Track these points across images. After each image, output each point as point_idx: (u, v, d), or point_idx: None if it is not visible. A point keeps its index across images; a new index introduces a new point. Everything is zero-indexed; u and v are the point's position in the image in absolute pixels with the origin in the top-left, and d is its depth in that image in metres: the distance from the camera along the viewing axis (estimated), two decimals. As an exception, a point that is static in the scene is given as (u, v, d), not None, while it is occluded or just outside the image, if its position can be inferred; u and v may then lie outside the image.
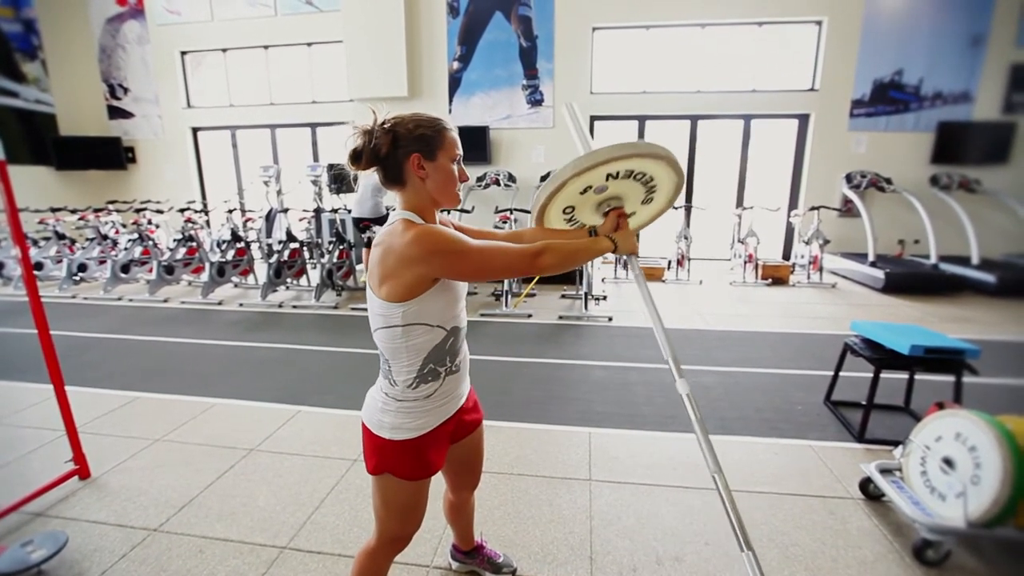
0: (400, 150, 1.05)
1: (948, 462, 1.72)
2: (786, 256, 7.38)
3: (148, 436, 2.63)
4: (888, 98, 6.71)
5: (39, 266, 6.38)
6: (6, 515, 1.93)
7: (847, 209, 6.83)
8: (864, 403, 2.51)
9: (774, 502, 2.05)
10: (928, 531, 1.66)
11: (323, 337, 4.36)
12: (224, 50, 8.43)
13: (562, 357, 3.80)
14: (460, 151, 1.10)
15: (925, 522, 1.67)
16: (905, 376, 2.76)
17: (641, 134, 7.62)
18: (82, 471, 2.23)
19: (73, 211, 7.00)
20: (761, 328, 4.50)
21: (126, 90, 8.81)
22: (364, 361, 3.75)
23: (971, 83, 6.51)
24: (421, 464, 1.16)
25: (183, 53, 8.55)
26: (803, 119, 7.12)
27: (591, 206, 1.31)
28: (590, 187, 1.21)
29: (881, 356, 2.44)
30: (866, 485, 2.05)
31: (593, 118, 7.56)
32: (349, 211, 6.13)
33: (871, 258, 6.05)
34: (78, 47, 8.65)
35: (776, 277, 6.21)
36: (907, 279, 5.63)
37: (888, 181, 6.55)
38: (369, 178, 4.58)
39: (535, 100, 7.57)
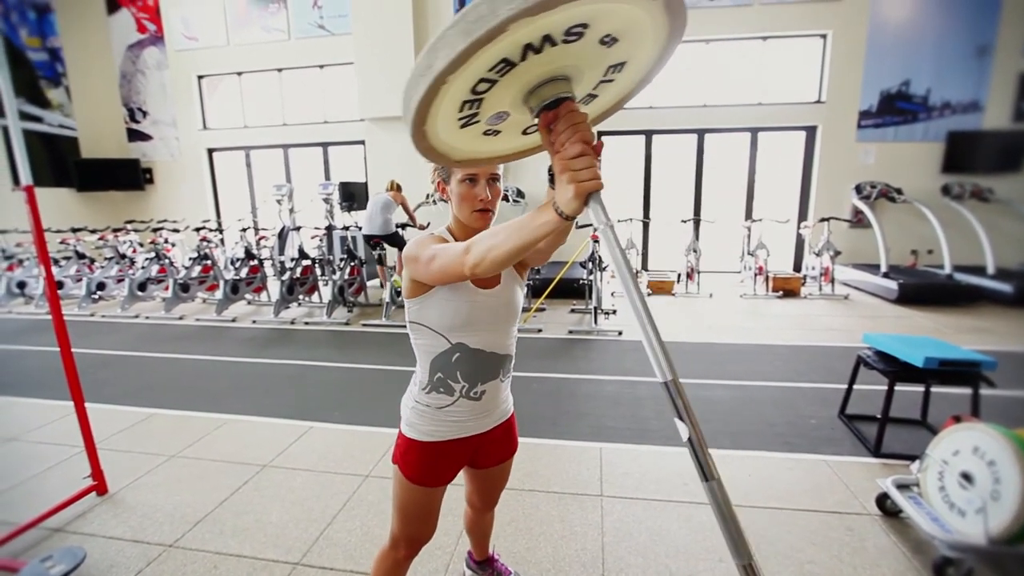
0: (438, 177, 1.15)
1: (967, 477, 1.69)
2: (796, 268, 7.34)
3: (164, 452, 2.66)
4: (896, 109, 6.71)
5: (59, 285, 6.54)
6: (26, 531, 1.96)
7: (857, 220, 6.79)
8: (879, 417, 2.47)
9: (789, 518, 2.02)
10: (948, 548, 1.63)
11: (334, 353, 4.40)
12: (239, 73, 8.69)
13: (572, 372, 3.79)
14: (474, 170, 1.08)
15: (945, 539, 1.64)
16: (920, 389, 2.72)
17: (648, 148, 7.68)
18: (100, 487, 2.27)
19: (93, 231, 7.19)
20: (772, 341, 4.46)
21: (145, 113, 9.09)
22: (375, 377, 3.78)
23: (980, 92, 6.49)
24: (423, 470, 1.19)
25: (200, 77, 8.82)
26: (810, 131, 7.13)
27: (515, 94, 0.75)
28: (506, 62, 0.66)
29: (895, 369, 2.41)
30: (883, 501, 2.02)
31: (600, 133, 7.64)
32: (360, 228, 6.23)
33: (884, 269, 5.99)
34: (100, 73, 8.97)
35: (787, 289, 6.16)
36: (921, 290, 5.56)
37: (899, 191, 6.52)
38: (378, 196, 4.67)
39: (542, 116, 7.67)
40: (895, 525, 1.96)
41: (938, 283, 5.70)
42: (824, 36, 6.83)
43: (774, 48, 7.08)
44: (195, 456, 2.63)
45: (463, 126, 0.79)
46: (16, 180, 1.83)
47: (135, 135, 9.21)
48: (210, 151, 9.13)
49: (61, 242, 6.84)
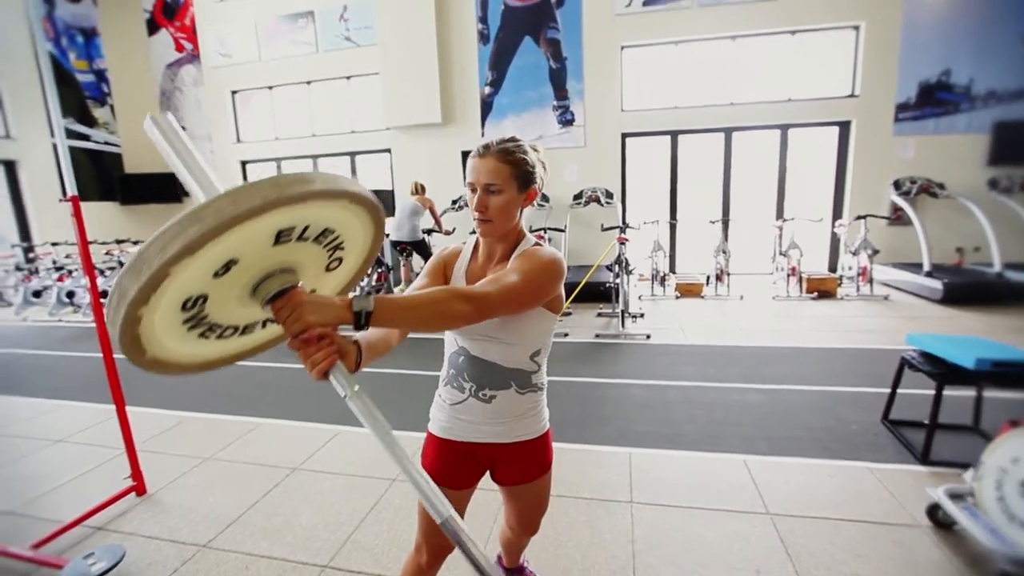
0: None
1: (1027, 486, 1.57)
2: (832, 268, 7.07)
3: (198, 455, 2.74)
4: (935, 100, 6.42)
5: (103, 294, 6.84)
6: (70, 529, 2.04)
7: (897, 217, 6.50)
8: (926, 423, 2.34)
9: (832, 529, 1.93)
10: (1009, 563, 1.52)
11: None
12: (270, 87, 8.97)
13: (599, 376, 3.73)
14: (471, 178, 1.09)
15: (1006, 553, 1.52)
16: (971, 393, 2.56)
17: (674, 149, 7.56)
18: (139, 488, 2.34)
19: (135, 243, 7.51)
20: (808, 344, 4.29)
21: (183, 128, 9.42)
22: (402, 382, 3.81)
23: (1028, 81, 6.15)
24: (436, 466, 1.20)
25: (233, 92, 9.15)
26: (844, 126, 6.89)
27: (239, 291, 0.76)
28: (232, 262, 0.69)
29: (943, 371, 2.28)
30: (934, 511, 1.90)
31: (625, 135, 7.57)
32: (387, 235, 6.32)
33: (926, 268, 5.71)
34: (141, 92, 9.40)
35: (822, 290, 5.94)
36: (968, 289, 5.27)
37: (941, 186, 6.21)
38: (407, 202, 4.74)
39: (566, 120, 7.66)
40: (948, 538, 1.84)
41: (987, 282, 5.39)
42: (857, 28, 6.60)
43: (804, 42, 6.88)
44: (228, 459, 2.69)
45: (202, 335, 0.78)
46: (64, 192, 1.93)
47: (173, 150, 9.59)
48: (243, 163, 9.45)
49: (106, 253, 7.17)
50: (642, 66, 7.46)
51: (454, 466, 1.21)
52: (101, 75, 8.92)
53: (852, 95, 6.73)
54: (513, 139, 1.10)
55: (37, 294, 6.94)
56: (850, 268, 6.19)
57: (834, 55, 6.82)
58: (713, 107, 7.20)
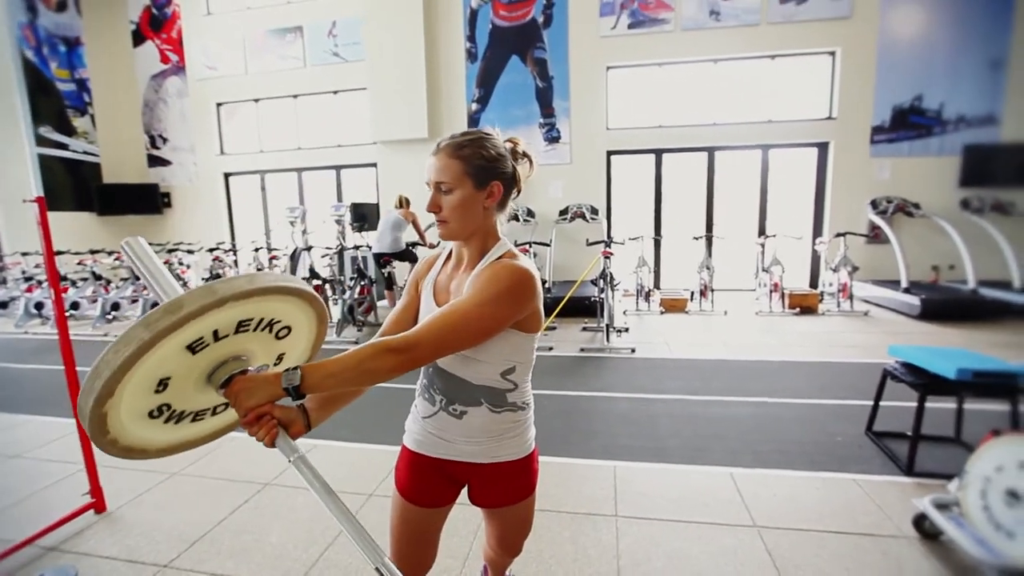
0: None
1: (1013, 494, 1.56)
2: (813, 285, 7.17)
3: (166, 470, 2.61)
4: (909, 123, 6.64)
5: (75, 306, 6.62)
6: (21, 548, 1.90)
7: (875, 236, 6.65)
8: (910, 434, 2.34)
9: (819, 541, 1.89)
10: (997, 573, 1.49)
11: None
12: (256, 100, 8.93)
13: (584, 389, 3.69)
14: (426, 178, 1.03)
15: (993, 563, 1.50)
16: (952, 405, 2.58)
17: (658, 166, 7.67)
18: (98, 505, 2.21)
19: (110, 253, 7.32)
20: (791, 358, 4.31)
21: (165, 140, 9.36)
22: (382, 395, 3.70)
23: (995, 106, 6.40)
24: (407, 479, 1.12)
25: (219, 104, 9.09)
26: (822, 147, 7.07)
27: (195, 376, 0.85)
28: (202, 343, 0.80)
29: (925, 382, 2.29)
30: (921, 522, 1.88)
31: (610, 153, 7.67)
32: (370, 248, 6.25)
33: (904, 284, 5.82)
34: (124, 102, 9.29)
35: (804, 306, 6.01)
36: (945, 305, 5.38)
37: (916, 206, 6.39)
38: (389, 215, 4.69)
39: (552, 137, 7.74)
40: (935, 548, 1.82)
41: (962, 298, 5.51)
42: (833, 53, 6.83)
43: (783, 66, 7.10)
44: (197, 474, 2.57)
45: (169, 421, 0.87)
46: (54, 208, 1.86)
47: (155, 161, 9.46)
48: (226, 175, 9.33)
49: (79, 263, 6.96)
50: (627, 86, 7.61)
51: (426, 482, 1.12)
52: (83, 84, 8.80)
53: (830, 117, 6.94)
54: (469, 132, 1.02)
55: (3, 305, 6.69)
56: (831, 284, 6.28)
57: (812, 79, 7.04)
58: (696, 127, 7.35)
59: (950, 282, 6.33)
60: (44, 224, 2.04)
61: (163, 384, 0.80)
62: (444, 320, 0.92)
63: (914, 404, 2.35)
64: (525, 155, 1.08)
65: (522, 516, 1.18)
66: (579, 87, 7.53)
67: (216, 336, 0.81)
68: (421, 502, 1.12)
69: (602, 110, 7.55)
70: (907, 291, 5.68)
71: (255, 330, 0.87)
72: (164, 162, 9.43)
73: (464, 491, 1.18)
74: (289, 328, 0.93)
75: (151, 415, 0.83)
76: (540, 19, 7.50)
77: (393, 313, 1.15)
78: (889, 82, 6.63)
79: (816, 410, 3.14)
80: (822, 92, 6.99)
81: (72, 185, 8.65)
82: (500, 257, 1.04)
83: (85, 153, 8.82)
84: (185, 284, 6.72)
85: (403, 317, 1.14)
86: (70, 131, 8.60)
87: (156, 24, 9.02)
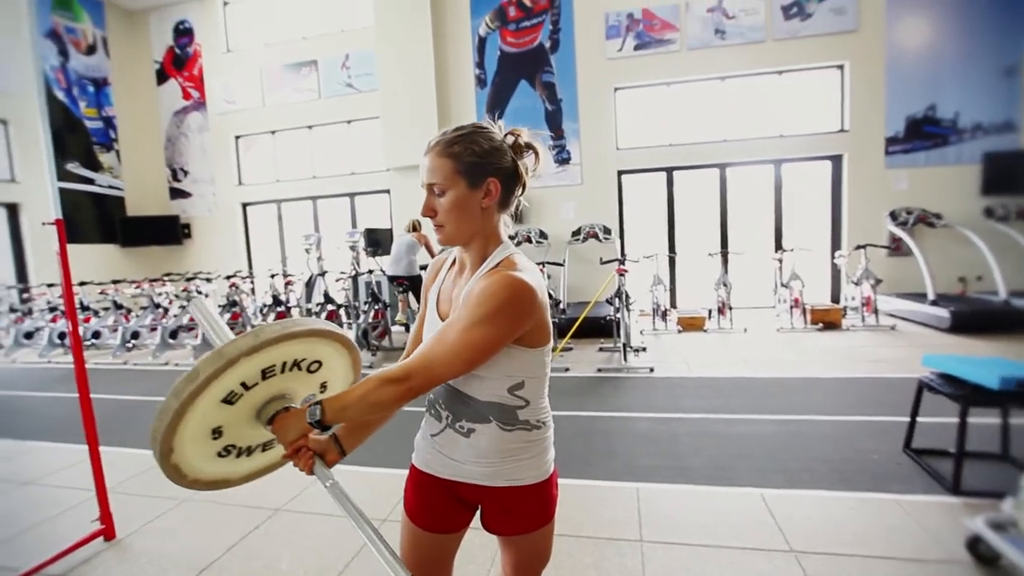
0: None
1: (1075, 512, 1.43)
2: (835, 299, 6.99)
3: (176, 496, 2.56)
4: (924, 133, 6.55)
5: (96, 335, 6.73)
6: (27, 578, 1.86)
7: (896, 248, 6.49)
8: (953, 450, 2.19)
9: (863, 567, 1.75)
10: (1066, 600, 1.35)
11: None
12: (273, 132, 9.20)
13: (602, 409, 3.58)
14: (421, 178, 0.98)
15: (1059, 589, 1.37)
16: (994, 419, 2.42)
17: (670, 184, 7.65)
18: (107, 532, 2.16)
19: (132, 283, 7.46)
20: (817, 374, 4.16)
21: (186, 173, 9.65)
22: (400, 419, 3.64)
23: (1012, 112, 6.29)
24: (414, 500, 1.06)
25: (237, 137, 9.37)
26: (836, 160, 7.00)
27: (245, 418, 0.97)
28: (235, 395, 0.91)
29: (965, 393, 2.16)
30: (975, 544, 1.73)
31: (621, 172, 7.68)
32: (384, 272, 6.28)
33: (931, 296, 5.63)
34: (148, 138, 9.64)
35: (827, 321, 5.84)
36: (976, 317, 5.17)
37: (937, 216, 6.24)
38: (403, 238, 4.69)
39: (562, 159, 7.79)
40: (993, 574, 1.67)
41: (994, 309, 5.30)
42: (841, 67, 6.82)
43: (791, 81, 7.10)
44: (208, 500, 2.52)
45: (221, 456, 0.99)
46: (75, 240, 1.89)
47: (176, 193, 9.75)
48: (244, 205, 9.55)
49: (100, 292, 7.10)
50: (636, 106, 7.67)
51: (436, 506, 1.04)
52: (109, 122, 9.17)
53: (842, 130, 6.88)
54: (462, 127, 0.95)
55: (29, 335, 6.83)
56: (853, 298, 6.11)
57: (822, 92, 7.02)
58: (707, 144, 7.34)
59: (979, 294, 6.11)
60: (62, 246, 2.06)
61: (217, 432, 0.94)
62: (434, 348, 0.89)
63: (953, 420, 2.22)
64: (529, 146, 0.99)
65: (540, 546, 1.08)
66: (588, 109, 7.61)
67: (246, 386, 0.92)
68: (431, 527, 1.04)
69: (611, 130, 7.60)
70: (935, 303, 5.49)
71: (283, 372, 0.96)
72: (185, 194, 9.70)
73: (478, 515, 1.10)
74: (319, 362, 1.02)
75: (220, 455, 0.98)
76: (547, 44, 7.65)
77: (414, 328, 1.12)
78: (900, 93, 6.57)
79: (846, 427, 2.99)
80: (832, 105, 6.96)
81: (97, 218, 8.92)
82: (498, 264, 0.96)
83: (110, 187, 9.11)
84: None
85: (420, 331, 1.09)
86: (96, 166, 8.92)
87: (179, 63, 9.41)
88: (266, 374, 0.94)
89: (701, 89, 7.40)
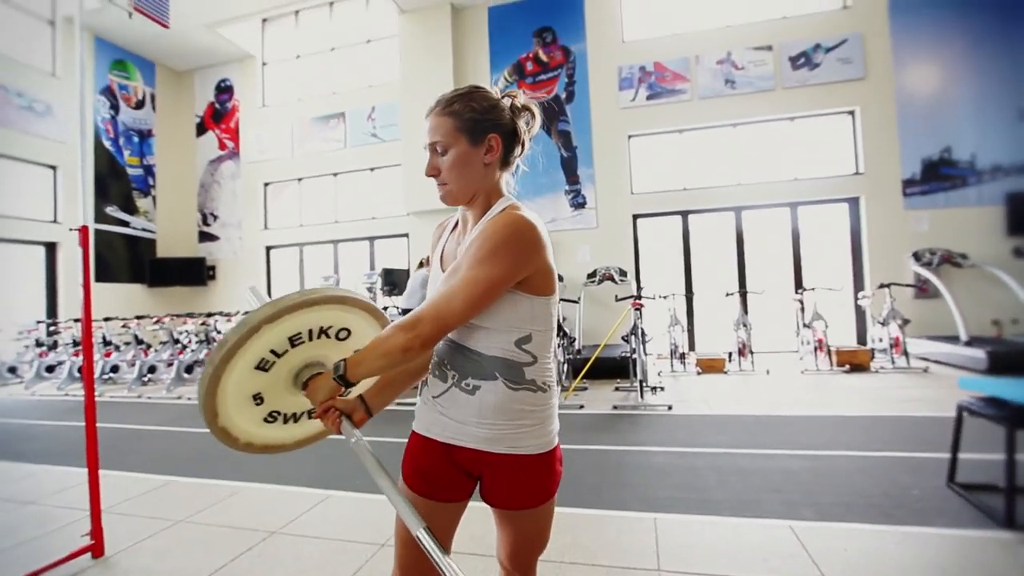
0: None
1: None
2: (861, 342, 6.73)
3: (171, 517, 2.47)
4: (941, 175, 6.51)
5: (115, 368, 6.81)
6: (8, 590, 1.77)
7: (922, 288, 6.29)
8: (1002, 485, 2.00)
9: (908, 602, 1.56)
10: None
11: (367, 429, 4.18)
12: (300, 179, 9.63)
13: (618, 444, 3.41)
14: (427, 138, 0.99)
15: None
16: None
17: (686, 227, 7.68)
18: (96, 549, 2.08)
19: (154, 319, 7.62)
20: (846, 412, 3.93)
21: (215, 217, 10.08)
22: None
23: (1032, 154, 6.25)
24: (413, 466, 1.01)
25: (266, 184, 9.83)
26: (853, 202, 6.97)
27: (284, 385, 1.04)
28: (267, 362, 0.97)
29: (1008, 414, 2.00)
30: (1036, 578, 1.54)
31: (636, 216, 7.76)
32: (397, 308, 6.31)
33: (964, 337, 5.38)
34: (183, 185, 10.18)
35: (854, 363, 5.58)
36: (1016, 358, 4.88)
37: (963, 256, 6.07)
38: (418, 272, 4.73)
39: (578, 203, 7.93)
40: (1062, 612, 1.47)
41: (1035, 352, 5.02)
42: (852, 112, 6.94)
43: (803, 126, 7.22)
44: (203, 522, 2.42)
45: (268, 421, 1.07)
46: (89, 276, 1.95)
47: (205, 236, 10.14)
48: (268, 248, 9.86)
49: (123, 326, 7.24)
50: (650, 151, 7.86)
51: (436, 471, 0.98)
52: (149, 170, 9.74)
53: (857, 173, 6.90)
54: (459, 88, 0.98)
55: (51, 369, 6.94)
56: (880, 340, 5.86)
57: (835, 136, 7.10)
58: (721, 188, 7.41)
59: (1018, 336, 5.82)
60: (85, 251, 2.12)
61: (259, 398, 1.01)
62: (441, 294, 0.89)
63: (999, 456, 2.04)
64: (526, 108, 1.01)
65: (538, 525, 1.02)
66: (602, 155, 7.81)
67: (276, 354, 0.97)
68: (430, 493, 0.98)
69: (626, 176, 7.75)
70: (969, 344, 5.23)
71: (312, 339, 1.01)
72: (213, 237, 10.09)
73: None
74: (348, 330, 1.07)
75: (266, 421, 1.05)
76: (563, 95, 8.00)
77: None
78: (914, 136, 6.61)
79: (881, 462, 2.78)
80: (846, 149, 7.01)
81: (129, 259, 9.28)
82: (502, 212, 0.96)
83: (144, 230, 9.54)
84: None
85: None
86: (133, 210, 9.39)
87: (217, 116, 10.08)
88: (294, 341, 0.98)
89: (714, 135, 7.57)
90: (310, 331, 1.00)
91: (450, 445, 0.97)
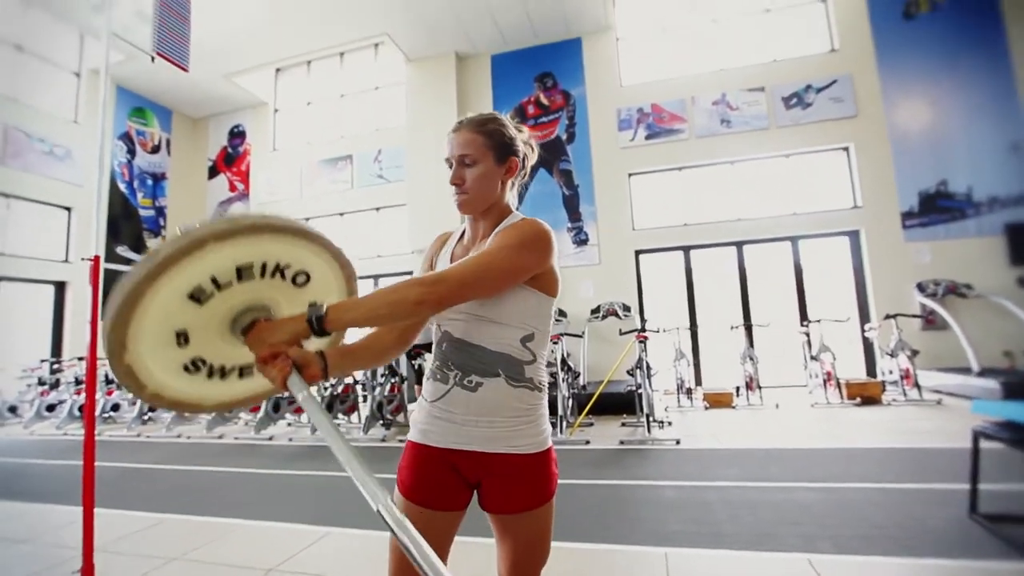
0: None
1: None
2: (871, 374, 6.62)
3: (164, 555, 2.39)
4: (938, 207, 6.59)
5: (116, 407, 6.75)
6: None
7: (929, 320, 6.25)
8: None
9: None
10: None
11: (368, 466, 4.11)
12: (307, 219, 9.81)
13: (626, 478, 3.32)
14: (447, 153, 1.08)
15: None
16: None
17: (688, 262, 7.73)
18: (87, 585, 2.01)
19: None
20: (859, 444, 3.82)
21: (223, 256, 10.22)
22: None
23: (1027, 186, 6.34)
24: (411, 475, 1.00)
25: (274, 224, 10.02)
26: (853, 235, 7.02)
27: (217, 328, 0.86)
28: (204, 292, 0.80)
29: (1026, 439, 1.95)
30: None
31: (638, 252, 7.83)
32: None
33: (976, 368, 5.29)
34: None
35: (865, 396, 5.47)
36: (1031, 388, 4.78)
37: (968, 287, 6.06)
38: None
39: (580, 240, 8.03)
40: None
41: (1050, 382, 4.92)
42: (846, 148, 7.11)
43: (799, 162, 7.38)
44: (197, 559, 2.34)
45: (189, 371, 0.87)
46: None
47: (212, 275, 10.27)
48: (274, 286, 9.94)
49: (127, 367, 7.22)
50: (650, 188, 8.02)
51: (433, 478, 0.98)
52: (161, 211, 9.99)
53: (856, 207, 6.99)
54: (486, 113, 1.08)
55: (51, 408, 6.88)
56: (891, 372, 5.77)
57: (832, 171, 7.24)
58: (722, 223, 7.50)
59: (1030, 368, 5.72)
60: (95, 280, 2.16)
61: (183, 337, 0.82)
62: (469, 261, 0.93)
63: (1021, 486, 1.98)
64: (529, 143, 1.14)
65: (539, 530, 1.01)
66: (604, 193, 7.97)
67: (217, 284, 0.80)
68: (427, 502, 0.97)
69: (627, 213, 7.88)
70: (981, 375, 5.13)
71: (263, 276, 0.85)
72: (220, 276, 10.20)
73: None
74: (307, 276, 0.91)
75: (187, 369, 0.85)
76: (564, 136, 8.26)
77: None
78: (909, 170, 6.74)
79: (898, 494, 2.68)
80: (844, 183, 7.14)
81: (135, 298, 9.37)
82: (523, 219, 1.05)
83: (152, 269, 9.69)
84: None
85: None
86: (143, 250, 9.56)
87: (229, 160, 10.42)
88: (242, 273, 0.81)
89: (712, 172, 7.74)
90: (264, 265, 0.83)
91: (448, 450, 0.98)
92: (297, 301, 0.92)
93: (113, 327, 0.72)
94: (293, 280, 0.90)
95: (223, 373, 0.91)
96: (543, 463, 1.00)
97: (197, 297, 0.79)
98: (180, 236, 0.72)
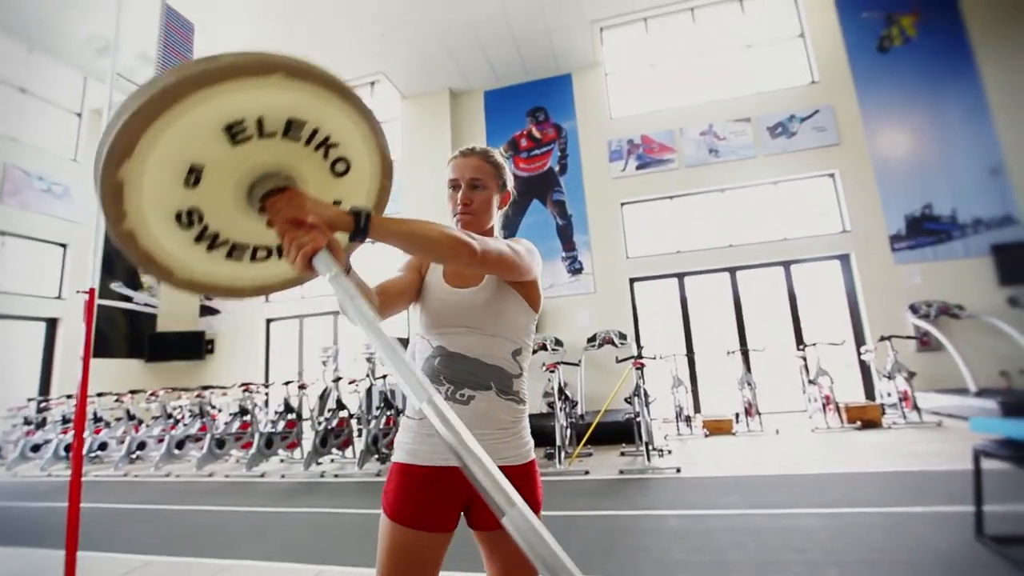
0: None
1: None
2: (869, 396, 6.58)
3: (152, 598, 2.30)
4: (925, 230, 6.71)
5: (103, 446, 6.59)
6: None
7: (924, 341, 6.27)
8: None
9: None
10: None
11: (362, 501, 4.01)
12: (303, 252, 9.86)
13: (626, 508, 3.25)
14: (452, 176, 1.16)
15: None
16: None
17: (682, 289, 7.78)
18: (68, 632, 1.92)
19: (151, 393, 7.49)
20: (861, 469, 3.77)
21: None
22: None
23: (1009, 207, 6.48)
24: (403, 499, 0.98)
25: (270, 257, 10.05)
26: (844, 259, 7.12)
27: (234, 182, 0.74)
28: (244, 133, 0.69)
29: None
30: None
31: (632, 280, 7.88)
32: (398, 376, 6.22)
33: (973, 388, 5.28)
34: (188, 260, 10.40)
35: (865, 419, 5.43)
36: (1029, 408, 4.77)
37: (960, 307, 6.11)
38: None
39: (575, 269, 8.09)
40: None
41: (1048, 401, 4.91)
42: (832, 175, 7.28)
43: (787, 189, 7.54)
44: (185, 602, 2.25)
45: (198, 241, 0.77)
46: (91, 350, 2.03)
47: (206, 310, 10.21)
48: (268, 321, 9.89)
49: (116, 400, 7.10)
50: (643, 217, 8.14)
51: (421, 499, 0.97)
52: (157, 247, 10.00)
53: (845, 231, 7.11)
54: (490, 148, 1.21)
55: (36, 448, 6.71)
56: (889, 394, 5.74)
57: (820, 197, 7.40)
58: (715, 250, 7.60)
59: (1027, 388, 5.71)
60: (89, 315, 2.16)
61: (195, 175, 0.68)
62: (498, 241, 1.03)
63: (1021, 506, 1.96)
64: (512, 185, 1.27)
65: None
66: (597, 223, 8.09)
67: (261, 128, 0.69)
68: (417, 524, 0.95)
69: (621, 241, 7.97)
70: (979, 395, 5.12)
71: (307, 143, 0.74)
72: (214, 311, 10.15)
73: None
74: (347, 166, 0.80)
75: (179, 219, 0.72)
76: (556, 168, 8.44)
77: (383, 281, 1.11)
78: (894, 194, 6.90)
79: (902, 518, 2.63)
80: (832, 208, 7.28)
81: (128, 334, 9.28)
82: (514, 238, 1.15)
83: (146, 305, 9.62)
84: (212, 420, 6.68)
85: (393, 287, 1.10)
86: (137, 286, 9.53)
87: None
88: (290, 129, 0.70)
89: (703, 200, 7.89)
90: (315, 132, 0.73)
91: (438, 468, 0.98)
92: (326, 192, 0.81)
93: (132, 118, 0.59)
94: (332, 165, 0.79)
95: (214, 244, 0.78)
96: (529, 474, 1.04)
97: (233, 131, 0.67)
98: (202, 59, 0.61)
